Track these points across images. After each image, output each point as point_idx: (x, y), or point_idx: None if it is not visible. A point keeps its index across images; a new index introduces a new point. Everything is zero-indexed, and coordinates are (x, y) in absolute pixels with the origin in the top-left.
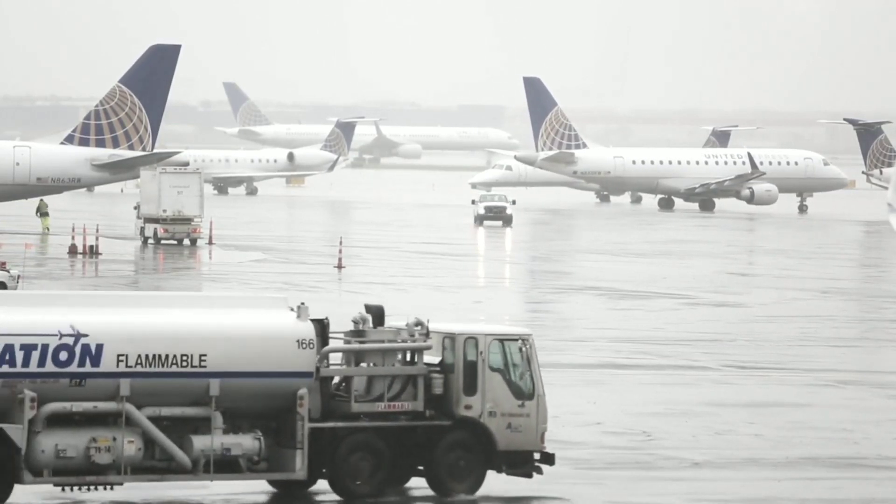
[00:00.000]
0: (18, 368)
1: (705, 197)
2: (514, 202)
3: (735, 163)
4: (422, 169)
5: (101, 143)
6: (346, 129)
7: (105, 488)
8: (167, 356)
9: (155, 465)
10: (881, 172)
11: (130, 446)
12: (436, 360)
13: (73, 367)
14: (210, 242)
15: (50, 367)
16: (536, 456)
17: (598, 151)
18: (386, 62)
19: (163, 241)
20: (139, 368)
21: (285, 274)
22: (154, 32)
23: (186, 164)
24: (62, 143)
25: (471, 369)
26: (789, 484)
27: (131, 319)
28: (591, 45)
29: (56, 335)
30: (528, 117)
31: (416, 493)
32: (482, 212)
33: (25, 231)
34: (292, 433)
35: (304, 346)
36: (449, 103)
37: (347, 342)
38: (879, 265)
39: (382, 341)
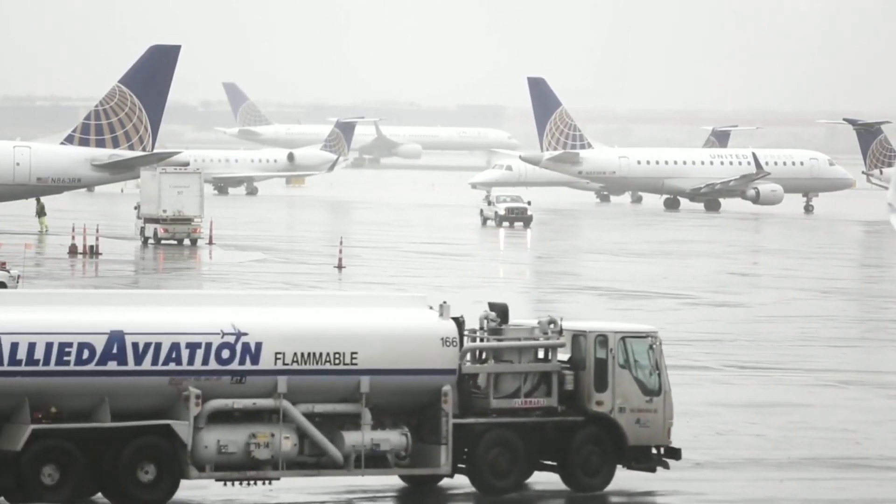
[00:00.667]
0: (184, 366)
1: (710, 197)
2: (529, 203)
3: (740, 163)
4: (422, 169)
5: (101, 144)
6: (346, 129)
7: (263, 483)
8: (321, 354)
9: (308, 460)
10: (881, 172)
11: (286, 442)
12: (565, 357)
13: (235, 365)
14: (210, 242)
15: (213, 364)
16: (658, 450)
17: (603, 151)
18: (386, 62)
19: (163, 241)
20: (295, 366)
21: (285, 274)
22: (154, 33)
23: (186, 164)
24: (62, 143)
25: (601, 366)
26: (791, 484)
27: (287, 318)
28: (590, 45)
29: (218, 334)
30: (528, 117)
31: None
32: (503, 212)
33: (25, 231)
34: (436, 429)
35: (447, 343)
36: (448, 103)
37: (483, 340)
38: (880, 265)
39: (518, 339)
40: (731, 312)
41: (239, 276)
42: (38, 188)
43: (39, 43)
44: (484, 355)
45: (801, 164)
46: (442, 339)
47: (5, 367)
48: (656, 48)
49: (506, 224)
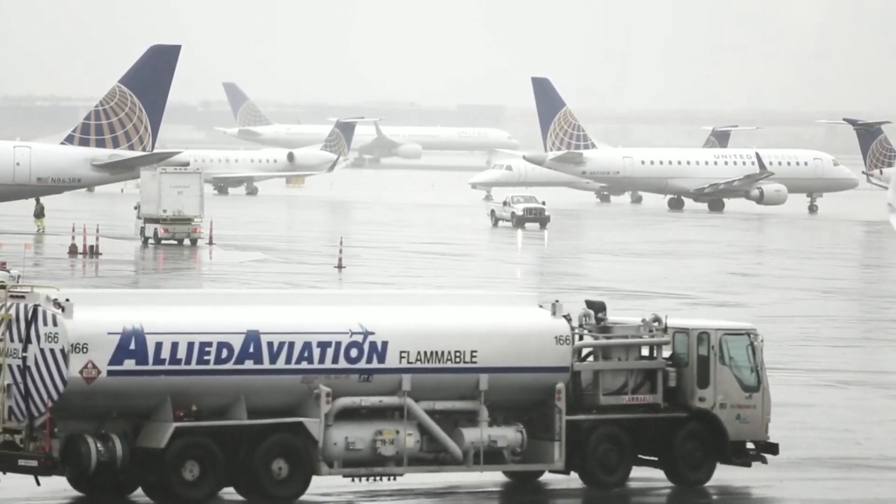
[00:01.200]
0: (315, 365)
1: (714, 197)
2: (544, 203)
3: (744, 163)
4: (422, 169)
5: (101, 144)
6: (346, 129)
7: (387, 479)
8: (442, 353)
9: (429, 456)
10: (881, 172)
11: (409, 439)
12: (666, 353)
13: (362, 364)
14: (210, 242)
15: (342, 363)
16: (752, 445)
17: (607, 152)
18: (386, 62)
19: (163, 241)
20: (419, 364)
21: (285, 274)
22: (154, 33)
23: (186, 164)
24: (62, 143)
25: (703, 363)
26: (792, 484)
27: (410, 317)
28: (590, 45)
29: (347, 333)
30: (528, 117)
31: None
32: (520, 213)
33: (25, 231)
34: (549, 425)
35: (561, 342)
36: (448, 103)
37: (594, 337)
38: (880, 265)
39: (626, 337)
40: (732, 312)
41: (239, 276)
42: (38, 188)
43: (39, 43)
44: (591, 353)
45: (806, 164)
46: (556, 337)
47: (150, 367)
48: (656, 48)
49: (505, 224)
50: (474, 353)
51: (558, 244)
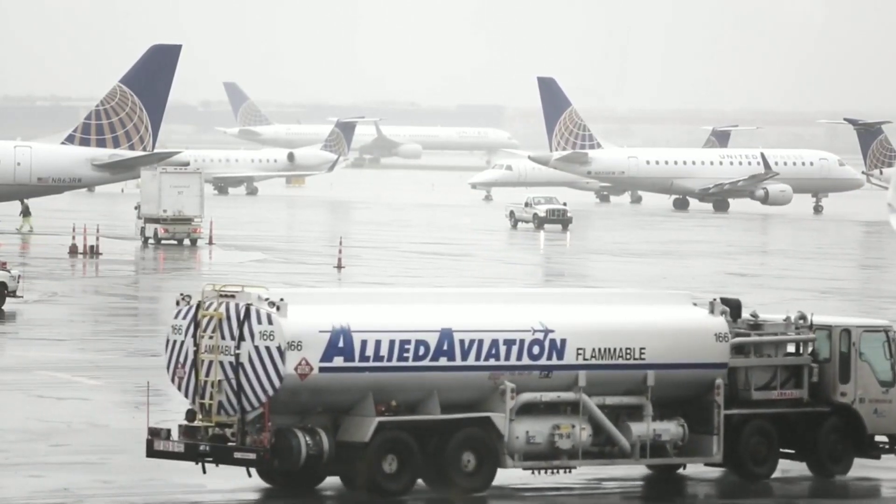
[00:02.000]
0: (501, 362)
1: (719, 197)
2: (565, 204)
3: (749, 163)
4: (422, 169)
5: (101, 143)
6: (346, 129)
7: (563, 472)
8: (614, 350)
9: (600, 450)
10: (881, 172)
11: (583, 433)
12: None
13: (543, 361)
14: (210, 242)
15: (525, 360)
16: (883, 438)
17: (612, 151)
18: (386, 62)
19: (163, 241)
20: (593, 361)
21: (285, 274)
22: (154, 32)
23: (187, 164)
24: (63, 143)
25: (845, 359)
26: (792, 484)
27: (585, 316)
28: (590, 45)
29: (529, 331)
30: (527, 117)
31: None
32: (543, 214)
33: (25, 231)
34: (708, 420)
35: (720, 339)
36: (448, 103)
37: (746, 334)
38: (880, 265)
39: (776, 334)
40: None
41: (239, 276)
42: (38, 188)
43: (40, 42)
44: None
45: (811, 164)
46: (715, 334)
47: (356, 364)
48: (656, 48)
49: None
50: (643, 350)
51: (557, 244)
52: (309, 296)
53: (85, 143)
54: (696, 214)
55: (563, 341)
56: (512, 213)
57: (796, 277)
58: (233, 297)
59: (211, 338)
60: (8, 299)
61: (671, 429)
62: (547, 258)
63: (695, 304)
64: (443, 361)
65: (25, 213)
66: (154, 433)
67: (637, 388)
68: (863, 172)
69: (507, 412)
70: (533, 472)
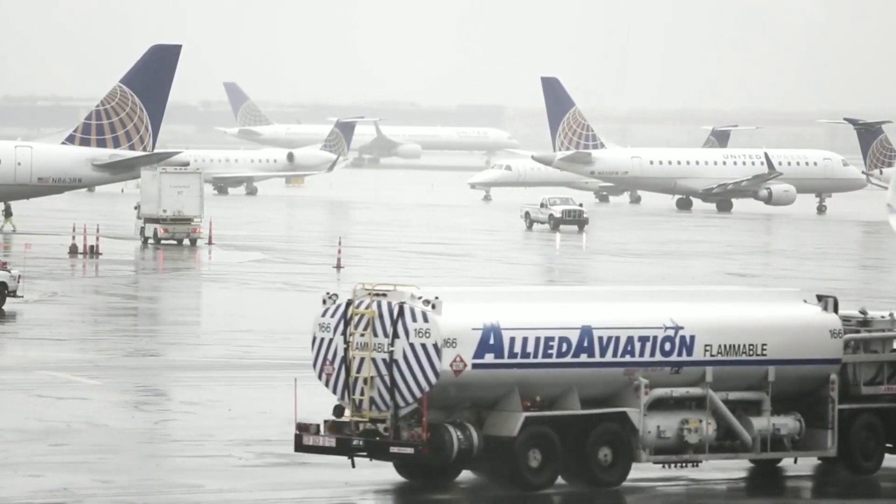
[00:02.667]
0: (636, 358)
1: (723, 197)
2: (581, 205)
3: (753, 163)
4: (421, 169)
5: (101, 144)
6: (346, 129)
7: (690, 465)
8: (738, 346)
9: (723, 444)
10: (881, 172)
11: (709, 427)
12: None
13: (674, 357)
14: (210, 242)
15: (658, 356)
16: None
17: (616, 151)
18: (386, 62)
19: (163, 241)
20: (720, 357)
21: (285, 274)
22: (154, 32)
23: (186, 164)
24: (63, 143)
25: None
26: (793, 483)
27: (711, 313)
28: (590, 45)
29: (661, 328)
30: (527, 117)
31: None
32: (559, 215)
33: (25, 231)
34: (822, 414)
35: (834, 335)
36: (448, 103)
37: (855, 331)
38: (879, 266)
39: (883, 330)
40: None
41: (239, 276)
42: (39, 188)
43: (40, 43)
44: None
45: (815, 164)
46: (830, 330)
47: (505, 360)
48: (656, 48)
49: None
50: (764, 347)
51: (557, 244)
52: (460, 294)
53: (85, 143)
54: (696, 215)
55: (693, 338)
56: (527, 213)
57: (796, 278)
58: (385, 295)
59: (362, 335)
60: (8, 299)
61: (789, 423)
62: (549, 258)
63: (805, 302)
64: (583, 358)
65: (7, 212)
66: (303, 428)
67: (757, 384)
68: (863, 172)
69: (640, 407)
70: (663, 466)
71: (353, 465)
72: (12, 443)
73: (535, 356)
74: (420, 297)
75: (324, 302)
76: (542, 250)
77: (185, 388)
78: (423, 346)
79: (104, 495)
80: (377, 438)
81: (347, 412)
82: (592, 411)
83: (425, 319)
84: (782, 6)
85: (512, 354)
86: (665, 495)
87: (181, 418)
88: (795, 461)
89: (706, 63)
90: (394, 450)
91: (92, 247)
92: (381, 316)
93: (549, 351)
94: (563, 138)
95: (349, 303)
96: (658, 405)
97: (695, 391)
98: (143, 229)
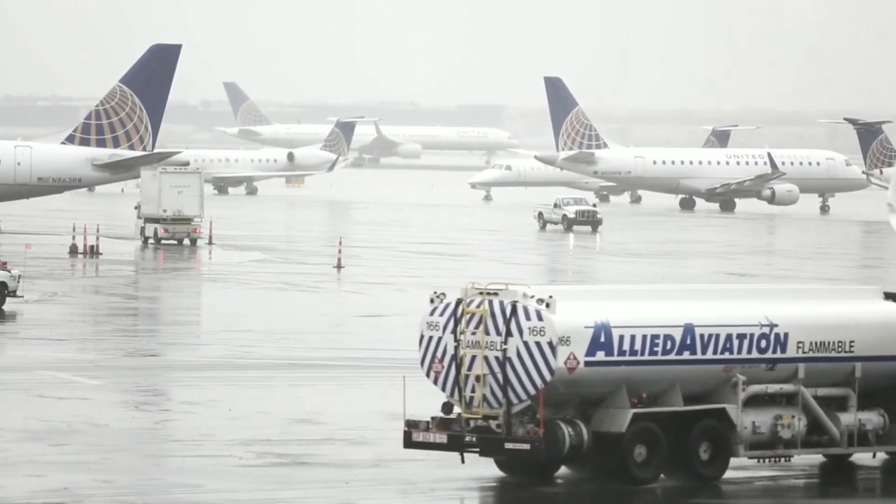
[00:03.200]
0: (734, 355)
1: (726, 197)
2: (595, 205)
3: (756, 163)
4: (421, 169)
5: (101, 143)
6: (346, 129)
7: (782, 460)
8: (828, 343)
9: (812, 439)
10: (881, 172)
11: (800, 423)
12: None
13: (769, 354)
14: (210, 242)
15: (754, 353)
16: None
17: (619, 151)
18: (386, 62)
19: (163, 241)
20: (811, 354)
21: (285, 274)
22: (154, 32)
23: (186, 163)
24: (63, 142)
25: None
26: (795, 483)
27: (802, 310)
28: (590, 44)
29: (757, 326)
30: (527, 117)
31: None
32: (572, 216)
33: (25, 231)
34: None
35: None
36: (448, 103)
37: None
38: (879, 265)
39: None
40: None
41: (239, 276)
42: (39, 188)
43: (40, 42)
44: None
45: (818, 164)
46: None
47: (615, 358)
48: (656, 48)
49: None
50: (852, 343)
51: (556, 244)
52: (570, 293)
53: (85, 143)
54: (701, 214)
55: (786, 335)
56: (540, 214)
57: (796, 277)
58: (496, 294)
59: (474, 333)
60: (8, 299)
61: (873, 418)
62: (552, 258)
63: (885, 298)
64: (685, 355)
65: None
66: (412, 425)
67: (844, 380)
68: (863, 172)
69: (738, 404)
70: (758, 461)
71: (463, 461)
72: (12, 443)
73: (642, 353)
74: (533, 296)
75: (431, 301)
76: (548, 250)
77: (185, 388)
78: (538, 344)
79: (104, 495)
80: (491, 435)
81: (457, 409)
82: (695, 407)
83: (539, 318)
84: (782, 6)
85: (621, 352)
86: (761, 489)
87: (181, 418)
88: (874, 456)
89: (706, 63)
90: (509, 446)
91: (92, 247)
92: (493, 314)
93: (655, 348)
94: (566, 138)
95: (459, 301)
96: (752, 401)
97: (787, 387)
98: (143, 229)
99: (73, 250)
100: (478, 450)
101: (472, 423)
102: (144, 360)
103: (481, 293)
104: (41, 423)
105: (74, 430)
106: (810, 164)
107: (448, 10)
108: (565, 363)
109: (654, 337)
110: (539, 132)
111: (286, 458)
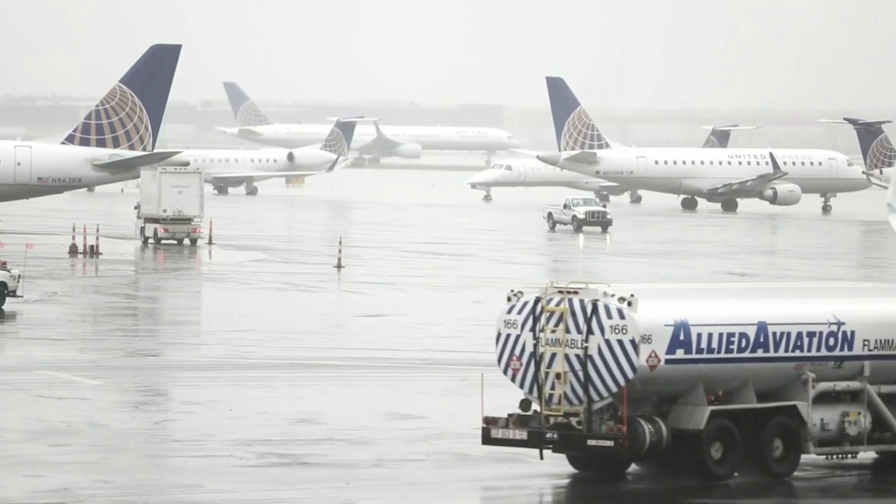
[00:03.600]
0: (804, 353)
1: (728, 197)
2: (605, 206)
3: (758, 163)
4: (421, 169)
5: (101, 143)
6: (346, 128)
7: (849, 457)
8: (892, 341)
9: (874, 436)
10: (881, 172)
11: (865, 420)
12: None
13: (837, 351)
14: (210, 242)
15: (823, 351)
16: None
17: (621, 151)
18: (386, 62)
19: (163, 241)
20: (876, 352)
21: (285, 274)
22: (154, 32)
23: (186, 164)
24: (63, 142)
25: None
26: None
27: (868, 308)
28: (590, 45)
29: (826, 324)
30: (527, 117)
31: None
32: (582, 216)
33: (26, 231)
34: None
35: None
36: (449, 103)
37: None
38: (879, 265)
39: None
40: None
41: (239, 276)
42: (38, 188)
43: (40, 42)
44: None
45: (820, 164)
46: None
47: (693, 356)
48: (655, 47)
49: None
50: None
51: (556, 244)
52: (647, 291)
53: (85, 142)
54: (703, 214)
55: (853, 333)
56: (550, 214)
57: (796, 277)
58: (576, 293)
59: (553, 331)
60: (8, 299)
61: None
62: (546, 257)
63: None
64: (759, 353)
65: None
66: (490, 422)
67: None
68: (863, 172)
69: (808, 401)
70: (826, 458)
71: (542, 458)
72: (12, 443)
73: (719, 351)
74: (613, 295)
75: (508, 299)
76: (541, 250)
77: (185, 388)
78: (620, 342)
79: (104, 495)
80: (572, 432)
81: (535, 406)
82: (769, 405)
83: (621, 316)
84: (782, 6)
85: (699, 350)
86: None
87: (181, 418)
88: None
89: (706, 63)
90: (591, 443)
91: (92, 247)
92: (573, 313)
93: (731, 346)
94: (568, 138)
95: (537, 300)
96: (820, 398)
97: (854, 384)
98: (143, 229)
99: (73, 250)
100: (559, 447)
101: (551, 420)
102: (144, 360)
103: (561, 292)
104: (41, 423)
105: (74, 430)
106: (812, 164)
107: (448, 11)
108: (647, 361)
109: (730, 335)
110: (539, 132)
111: (286, 458)
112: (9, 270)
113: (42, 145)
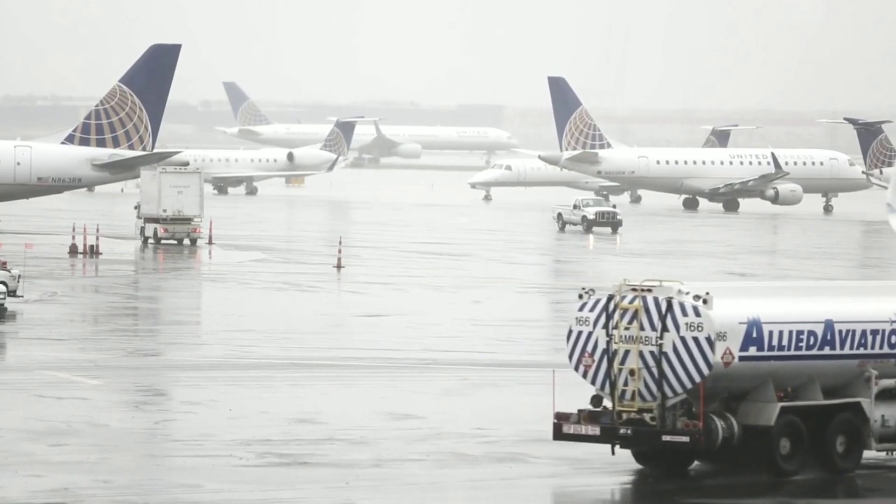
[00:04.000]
0: (868, 350)
1: (729, 197)
2: (614, 206)
3: (760, 163)
4: (421, 169)
5: (101, 143)
6: (346, 128)
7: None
8: None
9: None
10: (881, 172)
11: None
12: None
13: None
14: (210, 242)
15: (885, 349)
16: None
17: (623, 151)
18: (386, 62)
19: (163, 241)
20: None
21: (285, 274)
22: (154, 32)
23: (186, 163)
24: (63, 142)
25: None
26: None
27: None
28: (590, 45)
29: (888, 322)
30: (527, 117)
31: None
32: (592, 217)
33: (26, 231)
34: None
35: None
36: (448, 103)
37: None
38: (879, 265)
39: None
40: None
41: (239, 276)
42: (38, 188)
43: (40, 42)
44: None
45: (821, 164)
46: None
47: (764, 353)
48: (655, 47)
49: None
50: None
51: (556, 244)
52: (720, 289)
53: (85, 142)
54: (704, 214)
55: None
56: (559, 215)
57: (796, 277)
58: (650, 290)
59: (627, 329)
60: (8, 299)
61: None
62: (546, 258)
63: None
64: (826, 350)
65: None
66: (562, 417)
67: None
68: (862, 172)
69: (871, 397)
70: (887, 454)
71: (614, 453)
72: (12, 443)
73: (788, 349)
74: (688, 293)
75: (580, 297)
76: (541, 250)
77: (185, 388)
78: (696, 339)
79: (104, 495)
80: (646, 427)
81: (606, 402)
82: (835, 401)
83: (697, 314)
84: (782, 6)
85: (770, 347)
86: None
87: (181, 418)
88: None
89: (706, 63)
90: (666, 438)
91: (92, 247)
92: (647, 310)
93: (800, 344)
94: (569, 138)
95: (610, 297)
96: (880, 395)
97: None
98: (143, 229)
99: (73, 250)
100: (632, 443)
101: (624, 416)
102: (144, 360)
103: (634, 289)
104: (41, 423)
105: (74, 429)
106: (814, 163)
107: (448, 10)
108: (722, 358)
109: (799, 333)
110: (539, 132)
111: (286, 458)
112: (9, 270)
113: (42, 145)
